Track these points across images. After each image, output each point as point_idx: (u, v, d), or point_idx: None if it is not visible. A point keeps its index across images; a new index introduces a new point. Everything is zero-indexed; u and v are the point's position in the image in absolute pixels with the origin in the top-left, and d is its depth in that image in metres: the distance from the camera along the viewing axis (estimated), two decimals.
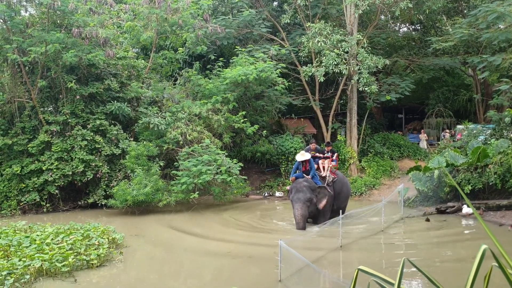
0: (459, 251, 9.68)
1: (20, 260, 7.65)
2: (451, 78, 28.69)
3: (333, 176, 12.73)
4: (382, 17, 21.55)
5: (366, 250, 9.81)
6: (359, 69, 18.64)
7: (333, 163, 13.12)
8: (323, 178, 12.45)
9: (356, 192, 18.51)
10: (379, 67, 18.90)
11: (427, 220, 13.14)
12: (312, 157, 12.55)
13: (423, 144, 24.08)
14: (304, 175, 12.08)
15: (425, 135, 24.85)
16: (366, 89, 18.65)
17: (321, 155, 13.05)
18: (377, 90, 19.02)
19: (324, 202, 11.78)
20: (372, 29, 20.94)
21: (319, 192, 11.88)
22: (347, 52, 18.61)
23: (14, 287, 6.85)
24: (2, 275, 6.92)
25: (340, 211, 10.78)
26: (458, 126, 22.08)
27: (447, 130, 24.23)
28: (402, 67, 26.21)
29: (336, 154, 13.79)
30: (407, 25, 26.85)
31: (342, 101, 23.71)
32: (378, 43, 22.89)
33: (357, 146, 20.69)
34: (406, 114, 32.57)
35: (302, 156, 12.23)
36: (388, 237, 11.18)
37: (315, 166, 12.51)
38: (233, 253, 9.35)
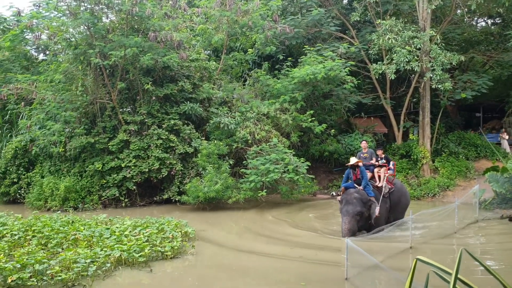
0: None
1: (101, 249, 8.17)
2: None
3: (389, 186, 11.56)
4: (458, 11, 20.62)
5: (437, 252, 9.53)
6: (432, 66, 17.98)
7: (390, 171, 11.89)
8: (379, 188, 11.31)
9: (428, 193, 17.94)
10: (453, 63, 18.10)
11: (511, 220, 12.54)
12: (365, 165, 11.45)
13: (505, 144, 22.63)
14: (356, 185, 10.95)
15: (506, 134, 23.41)
16: (439, 86, 17.94)
17: (376, 162, 11.83)
18: (451, 87, 18.22)
19: (376, 215, 10.60)
20: (446, 24, 20.10)
21: (371, 205, 10.67)
22: (419, 49, 18.03)
23: (96, 274, 7.34)
24: (86, 262, 7.42)
25: (411, 211, 10.54)
26: None
27: None
28: (479, 63, 24.86)
29: (392, 162, 12.42)
30: (485, 19, 25.46)
31: (414, 99, 22.95)
32: (453, 39, 21.90)
33: (430, 145, 19.94)
34: (484, 113, 30.80)
35: (351, 160, 11.20)
36: (461, 239, 10.79)
37: (369, 174, 11.43)
38: (299, 251, 9.45)
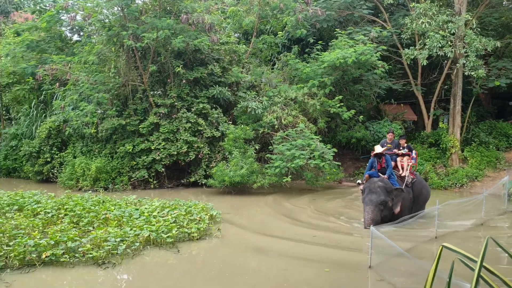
0: None
1: (131, 229, 8.47)
2: None
3: (412, 177, 11.28)
4: None
5: (463, 242, 9.46)
6: (465, 52, 17.56)
7: (413, 161, 11.58)
8: (402, 178, 11.02)
9: (456, 184, 17.68)
10: (488, 49, 17.60)
11: None
12: (388, 154, 11.18)
13: None
14: (380, 174, 10.73)
15: None
16: (472, 73, 17.50)
17: (399, 151, 11.55)
18: (485, 74, 17.74)
19: (400, 206, 10.34)
20: (483, 8, 19.46)
21: (396, 195, 10.40)
22: (453, 34, 17.59)
23: (126, 253, 7.63)
24: (116, 241, 7.72)
25: (437, 201, 10.42)
26: None
27: None
28: None
29: (415, 151, 12.05)
30: None
31: (446, 86, 22.45)
32: (489, 24, 21.17)
33: (460, 134, 19.55)
34: None
35: (376, 149, 10.96)
36: (488, 230, 10.68)
37: (392, 164, 11.10)
38: (322, 239, 9.53)
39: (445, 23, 17.56)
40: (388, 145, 11.71)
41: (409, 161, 11.42)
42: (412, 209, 10.86)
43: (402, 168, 11.34)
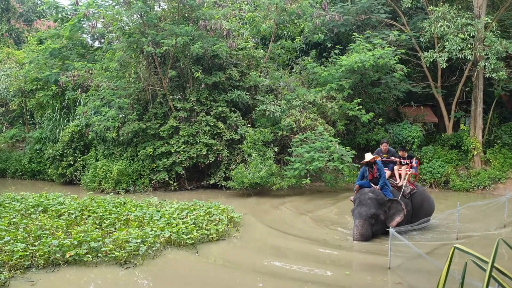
0: None
1: (152, 230, 8.57)
2: None
3: (411, 187, 10.27)
4: None
5: (483, 244, 9.36)
6: (486, 54, 17.38)
7: (413, 170, 10.59)
8: (399, 188, 10.07)
9: (478, 186, 17.50)
10: (510, 52, 17.42)
11: None
12: (383, 162, 10.33)
13: None
14: (372, 184, 9.75)
15: None
16: (493, 75, 17.34)
17: (396, 159, 10.62)
18: (506, 76, 17.56)
19: (397, 219, 9.37)
20: (503, 10, 19.23)
21: (390, 206, 9.49)
22: (473, 37, 17.43)
23: (147, 253, 7.74)
24: (137, 242, 7.82)
25: (458, 203, 10.29)
26: None
27: None
28: None
29: (415, 159, 10.95)
30: None
31: (467, 88, 22.22)
32: (510, 26, 20.95)
33: (482, 136, 19.31)
34: None
35: (366, 157, 9.88)
36: (510, 233, 10.53)
37: (388, 173, 10.34)
38: (342, 240, 9.53)
39: (464, 26, 17.43)
40: (384, 155, 10.79)
41: (407, 169, 10.51)
42: (411, 223, 9.67)
43: (400, 177, 10.48)
